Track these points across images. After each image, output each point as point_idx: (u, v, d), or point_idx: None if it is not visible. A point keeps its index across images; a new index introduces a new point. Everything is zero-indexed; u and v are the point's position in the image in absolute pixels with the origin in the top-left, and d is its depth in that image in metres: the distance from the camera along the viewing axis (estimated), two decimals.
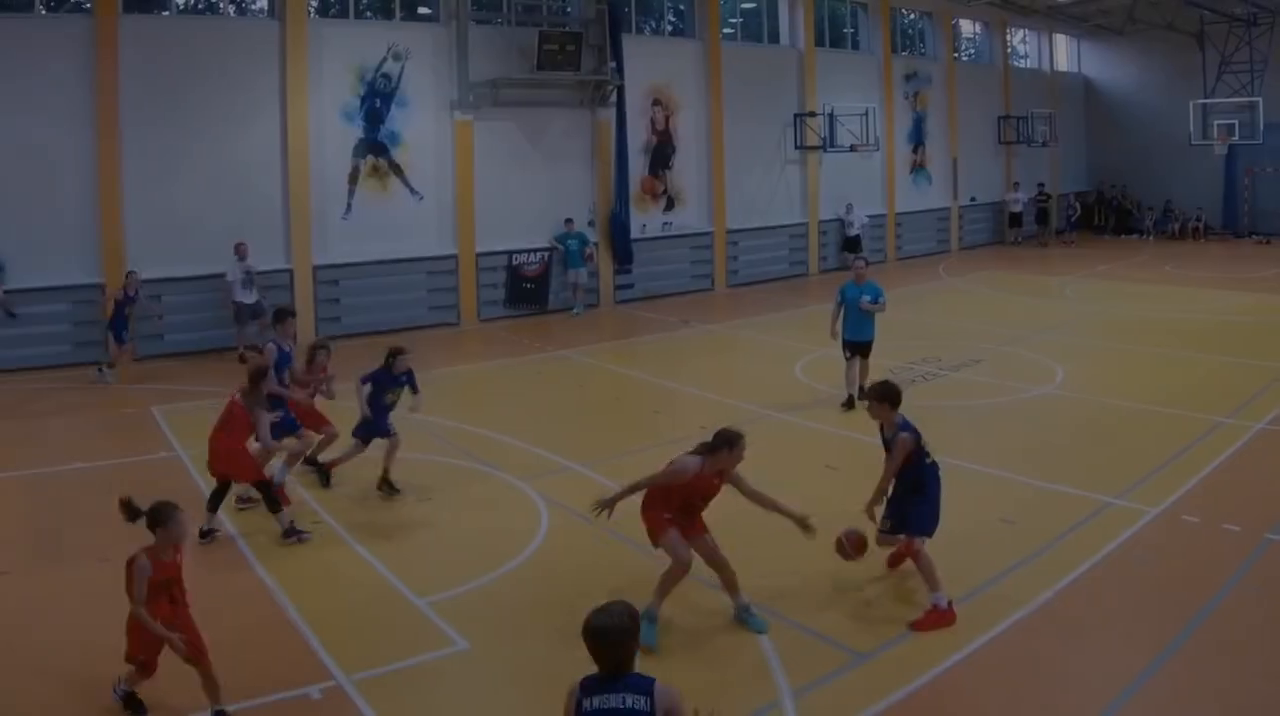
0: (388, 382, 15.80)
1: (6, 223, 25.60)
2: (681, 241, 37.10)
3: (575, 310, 33.54)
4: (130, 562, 9.34)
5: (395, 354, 15.75)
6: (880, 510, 12.17)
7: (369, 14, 31.99)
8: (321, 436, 16.42)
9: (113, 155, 26.81)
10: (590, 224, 34.47)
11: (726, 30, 38.85)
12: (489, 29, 32.61)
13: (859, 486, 12.71)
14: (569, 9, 35.07)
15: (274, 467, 15.22)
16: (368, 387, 15.64)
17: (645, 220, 36.00)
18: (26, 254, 25.72)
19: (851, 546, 11.87)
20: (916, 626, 11.09)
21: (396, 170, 31.13)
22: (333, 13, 31.32)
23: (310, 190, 29.54)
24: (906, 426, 11.91)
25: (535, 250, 33.31)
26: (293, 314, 17.74)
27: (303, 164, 29.37)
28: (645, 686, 6.38)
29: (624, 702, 6.31)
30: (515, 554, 13.34)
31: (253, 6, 30.52)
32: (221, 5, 29.98)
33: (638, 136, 35.56)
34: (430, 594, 12.06)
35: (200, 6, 30.15)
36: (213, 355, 26.95)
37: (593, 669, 6.51)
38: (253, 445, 14.57)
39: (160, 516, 9.52)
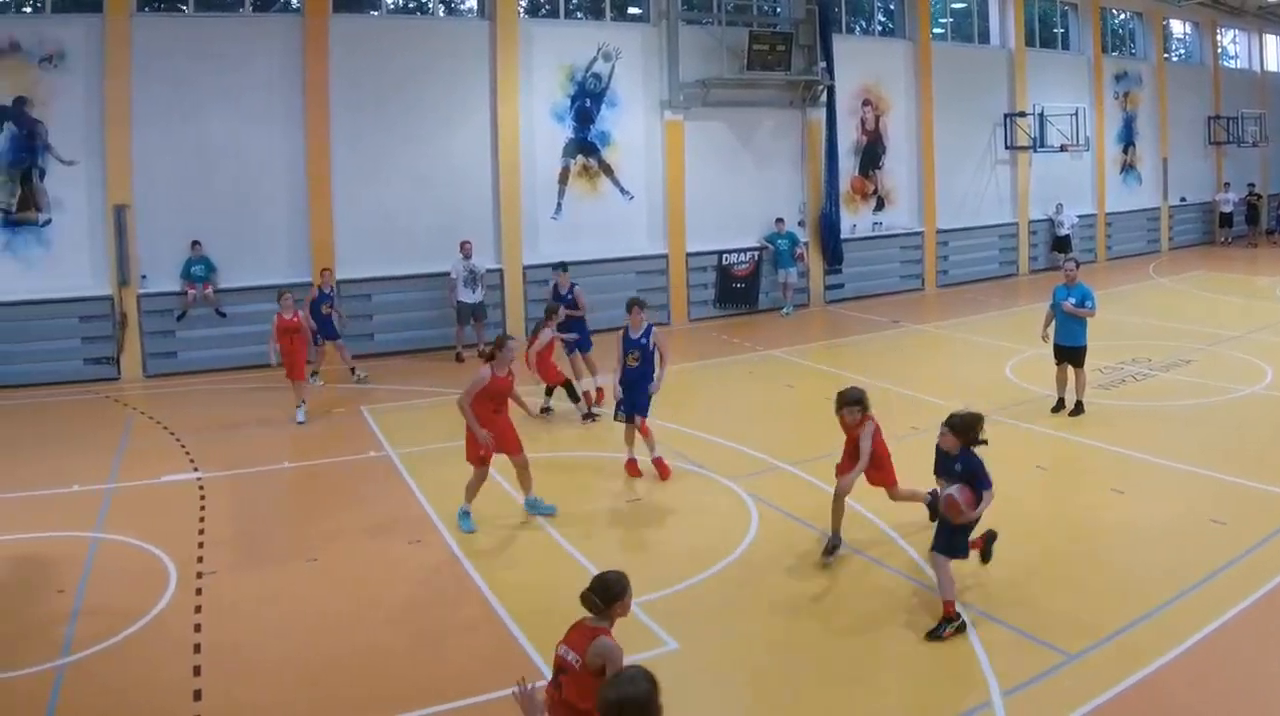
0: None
1: (219, 222, 23.89)
2: (891, 241, 33.48)
3: (785, 310, 30.32)
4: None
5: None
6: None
7: (579, 14, 29.09)
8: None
9: (322, 155, 24.72)
10: (800, 224, 31.15)
11: (936, 30, 34.99)
12: (698, 29, 29.61)
13: (1068, 487, 13.44)
14: (779, 9, 31.79)
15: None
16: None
17: (855, 220, 32.56)
18: (237, 253, 24.04)
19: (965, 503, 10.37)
20: None
21: (607, 170, 28.34)
22: (543, 13, 28.60)
23: (521, 190, 27.03)
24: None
25: (745, 250, 30.14)
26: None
27: (513, 164, 26.86)
28: None
29: None
30: (725, 554, 12.38)
31: (462, 7, 27.91)
32: (431, 5, 27.42)
33: (848, 136, 32.14)
34: (640, 594, 10.19)
35: (410, 6, 27.59)
36: (422, 355, 24.97)
37: None
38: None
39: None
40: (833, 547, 12.05)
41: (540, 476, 14.30)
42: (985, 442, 10.52)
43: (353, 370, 22.75)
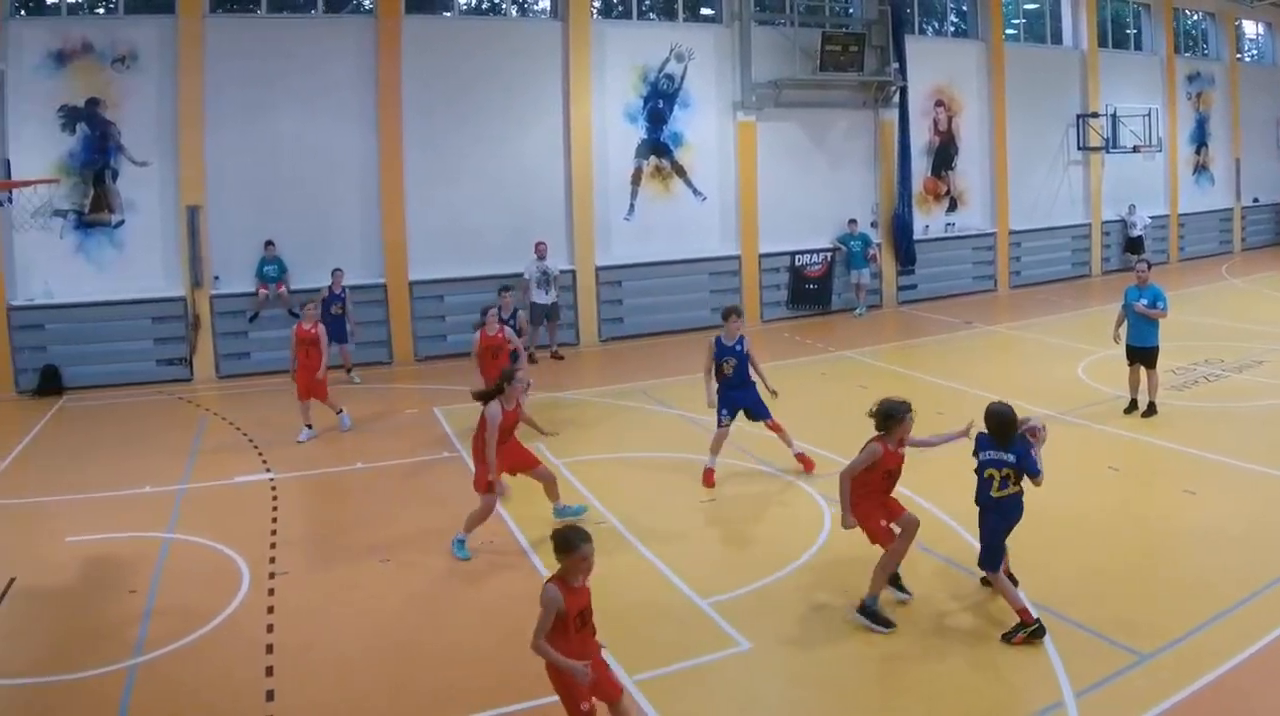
0: None
1: (291, 223, 22.96)
2: (964, 242, 31.67)
3: (858, 311, 28.79)
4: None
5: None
6: None
7: (651, 15, 27.69)
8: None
9: (395, 156, 23.57)
10: (873, 225, 29.52)
11: (1009, 31, 33.12)
12: (771, 30, 28.05)
13: (1141, 488, 13.08)
14: (852, 10, 30.11)
15: None
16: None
17: (928, 221, 30.85)
18: (309, 254, 22.96)
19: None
20: None
21: (679, 171, 26.87)
22: (616, 13, 27.16)
23: (593, 191, 25.67)
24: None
25: (818, 251, 28.56)
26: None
27: (586, 165, 25.53)
28: None
29: None
30: (798, 554, 11.80)
31: (535, 7, 26.49)
32: (504, 6, 26.12)
33: (920, 137, 30.39)
34: (712, 594, 10.78)
35: (483, 7, 26.28)
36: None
37: None
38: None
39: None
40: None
41: (614, 477, 14.21)
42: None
43: (349, 370, 21.96)
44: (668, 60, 26.59)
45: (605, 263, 25.85)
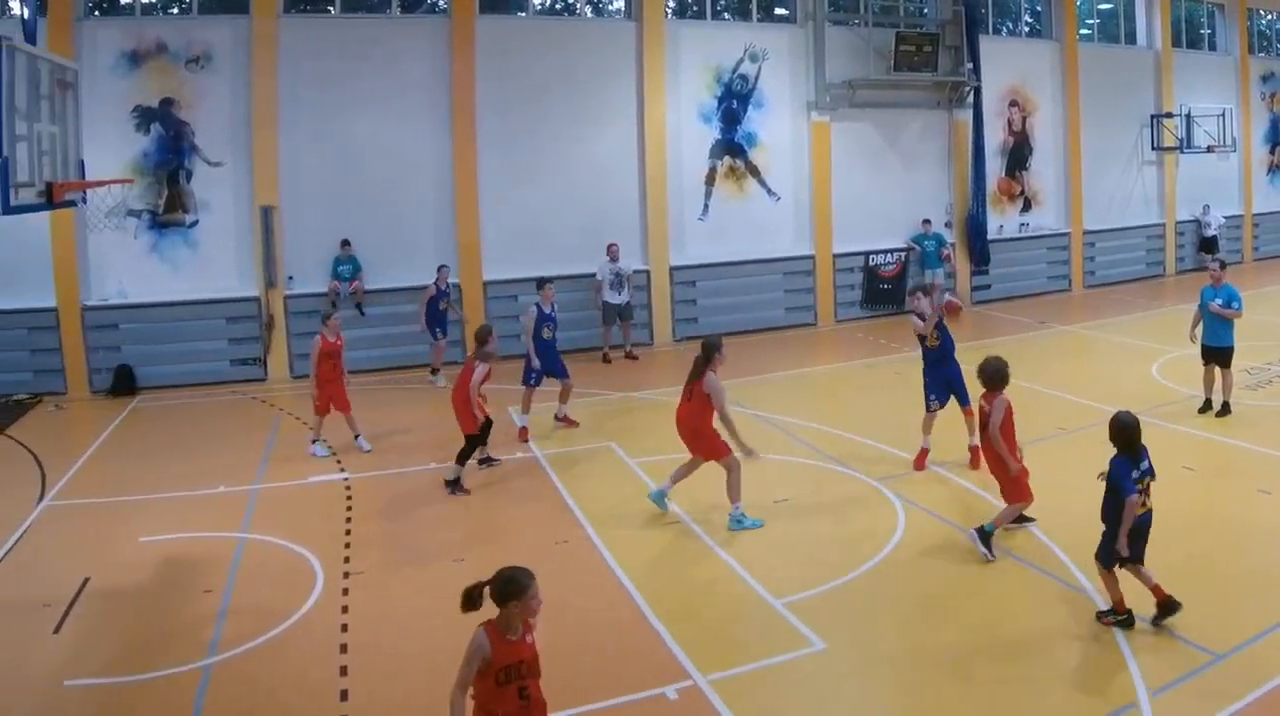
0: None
1: (364, 223, 21.72)
2: (1038, 242, 29.83)
3: None
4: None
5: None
6: None
7: (726, 15, 26.06)
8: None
9: (469, 156, 22.27)
10: (947, 225, 27.80)
11: (1083, 31, 31.17)
12: (845, 30, 26.37)
13: (1215, 487, 12.82)
14: (926, 10, 28.36)
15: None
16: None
17: (1002, 221, 29.02)
18: (383, 254, 21.77)
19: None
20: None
21: (753, 171, 25.32)
22: (690, 14, 25.58)
23: (667, 191, 24.23)
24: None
25: (892, 251, 26.93)
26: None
27: (660, 165, 24.07)
28: None
29: None
30: (872, 554, 11.31)
31: (609, 8, 25.05)
32: (578, 6, 24.66)
33: (994, 137, 28.59)
34: (787, 594, 10.30)
35: (557, 7, 24.84)
36: (568, 356, 21.93)
37: None
38: None
39: (510, 586, 6.52)
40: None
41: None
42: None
43: (435, 371, 20.73)
44: (742, 60, 25.08)
45: (679, 263, 24.44)
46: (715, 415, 12.13)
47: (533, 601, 6.41)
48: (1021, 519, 11.45)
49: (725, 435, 12.13)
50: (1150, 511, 9.11)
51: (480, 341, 14.07)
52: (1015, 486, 11.01)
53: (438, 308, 20.48)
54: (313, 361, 15.80)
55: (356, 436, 16.07)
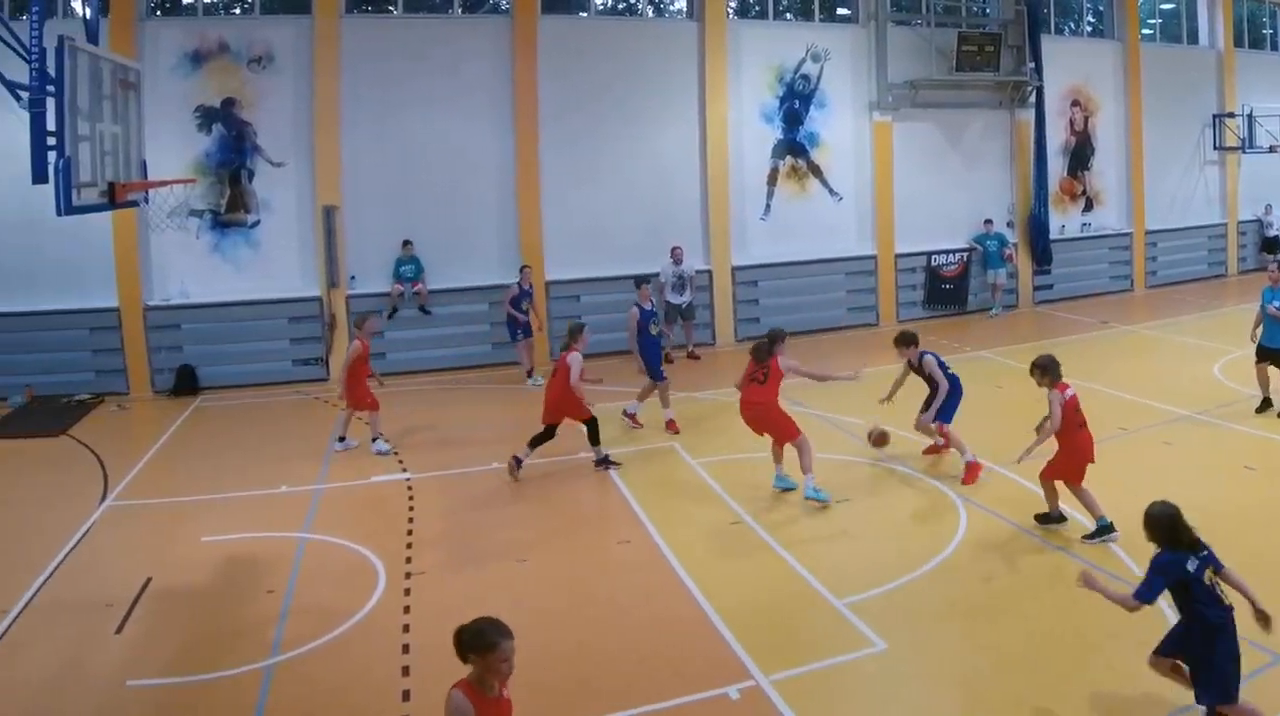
0: None
1: (426, 224, 20.80)
2: (1100, 242, 28.24)
3: (994, 311, 25.63)
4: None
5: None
6: None
7: (788, 15, 24.76)
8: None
9: (531, 156, 21.20)
10: (1009, 224, 26.32)
11: (1145, 31, 29.48)
12: (907, 30, 24.96)
13: (1278, 487, 12.28)
14: (988, 10, 26.88)
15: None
16: None
17: (1064, 221, 27.48)
18: (445, 254, 20.85)
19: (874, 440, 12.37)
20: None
21: (815, 171, 23.99)
22: (752, 14, 24.29)
23: (729, 191, 23.02)
24: None
25: (954, 251, 25.51)
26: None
27: (722, 165, 22.86)
28: None
29: None
30: (934, 554, 10.79)
31: (671, 8, 23.81)
32: (640, 6, 23.48)
33: (1056, 137, 27.03)
34: (849, 594, 9.81)
35: (619, 8, 23.67)
36: (630, 356, 21.31)
37: None
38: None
39: (480, 639, 5.53)
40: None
41: (749, 476, 13.31)
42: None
43: (531, 372, 19.65)
44: (804, 60, 23.77)
45: (741, 262, 23.24)
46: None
47: (502, 663, 5.54)
48: (1047, 519, 11.28)
49: (828, 376, 13.77)
50: (1231, 608, 7.08)
51: (572, 335, 14.01)
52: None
53: (520, 308, 19.44)
54: (350, 363, 15.20)
55: (375, 438, 15.48)
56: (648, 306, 16.51)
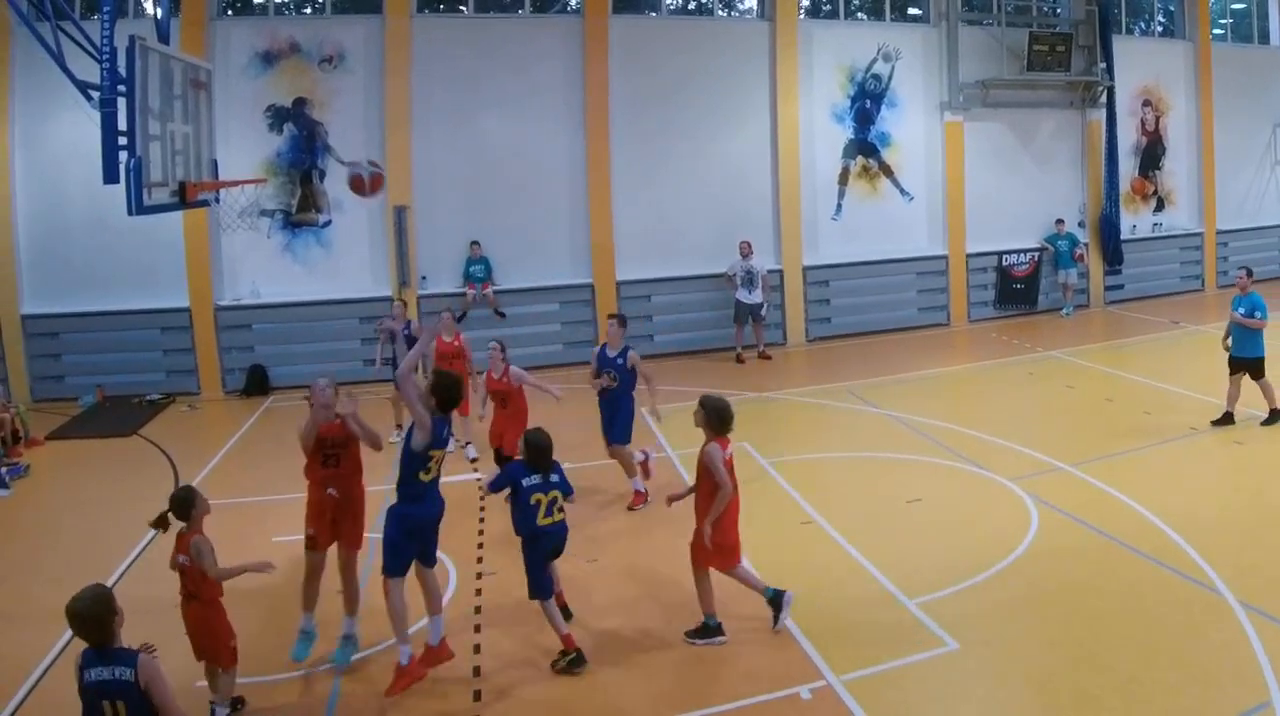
0: None
1: (498, 224, 19.52)
2: (1171, 242, 26.15)
3: (1065, 311, 23.81)
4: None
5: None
6: None
7: (859, 15, 23.05)
8: None
9: (602, 156, 19.77)
10: (1081, 224, 24.37)
11: (1216, 31, 27.39)
12: (978, 30, 23.13)
13: None
14: (1059, 9, 24.90)
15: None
16: None
17: (1135, 221, 25.42)
18: (516, 255, 19.62)
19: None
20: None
21: (887, 171, 22.28)
22: (823, 14, 22.61)
23: (800, 191, 21.37)
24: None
25: (1025, 250, 23.62)
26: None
27: (793, 165, 21.23)
28: (129, 659, 5.40)
29: (113, 674, 5.35)
30: (1005, 554, 10.08)
31: (742, 7, 22.16)
32: (711, 6, 21.79)
33: (1128, 137, 24.99)
34: (920, 594, 9.20)
35: (690, 7, 21.99)
36: (701, 356, 20.51)
37: None
38: None
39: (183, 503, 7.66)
40: None
41: (820, 476, 12.99)
42: None
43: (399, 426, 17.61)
44: (875, 60, 22.04)
45: (812, 262, 21.59)
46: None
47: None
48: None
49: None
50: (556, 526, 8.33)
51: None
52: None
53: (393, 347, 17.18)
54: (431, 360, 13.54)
55: (466, 443, 14.13)
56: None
